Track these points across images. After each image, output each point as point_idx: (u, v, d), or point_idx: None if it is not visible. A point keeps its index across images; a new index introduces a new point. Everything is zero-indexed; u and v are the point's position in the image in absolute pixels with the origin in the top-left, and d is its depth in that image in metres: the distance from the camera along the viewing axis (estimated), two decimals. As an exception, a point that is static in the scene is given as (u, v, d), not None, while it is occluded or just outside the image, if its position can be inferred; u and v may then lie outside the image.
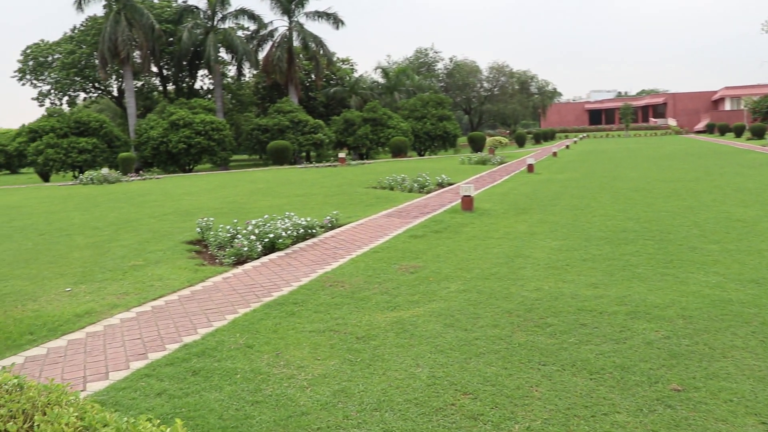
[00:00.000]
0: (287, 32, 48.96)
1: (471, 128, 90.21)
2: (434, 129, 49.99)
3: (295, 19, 49.15)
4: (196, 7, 48.27)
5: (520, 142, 64.69)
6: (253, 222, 10.99)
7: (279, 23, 53.43)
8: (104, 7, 45.02)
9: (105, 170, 30.85)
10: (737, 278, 7.61)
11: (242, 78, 55.89)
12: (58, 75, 52.00)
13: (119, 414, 3.84)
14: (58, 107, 46.64)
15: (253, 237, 10.15)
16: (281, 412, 4.44)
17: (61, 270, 9.58)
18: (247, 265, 9.42)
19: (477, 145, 50.78)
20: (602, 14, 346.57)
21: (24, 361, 5.79)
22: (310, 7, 49.50)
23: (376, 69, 67.28)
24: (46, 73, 53.12)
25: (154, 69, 53.51)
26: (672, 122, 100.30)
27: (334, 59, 55.74)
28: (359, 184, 22.33)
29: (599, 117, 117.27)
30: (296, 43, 49.23)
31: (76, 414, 2.79)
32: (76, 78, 52.57)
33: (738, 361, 5.09)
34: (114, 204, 18.73)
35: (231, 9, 48.00)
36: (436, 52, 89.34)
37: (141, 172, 36.96)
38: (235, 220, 11.91)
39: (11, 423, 2.70)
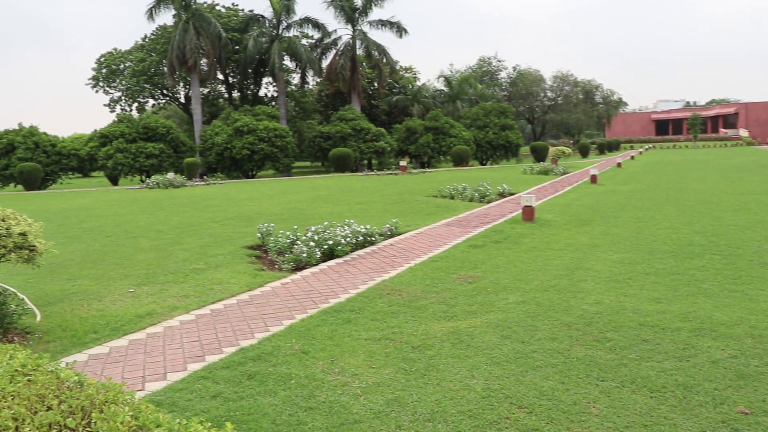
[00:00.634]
0: (351, 41, 49.33)
1: (534, 138, 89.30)
2: (496, 138, 49.61)
3: (359, 28, 49.50)
4: (262, 16, 49.06)
5: (584, 152, 63.73)
6: (313, 228, 11.06)
7: (343, 32, 54.02)
8: (174, 16, 46.23)
9: (170, 175, 31.63)
10: (811, 297, 7.28)
11: (306, 86, 56.47)
12: (129, 82, 53.61)
13: (173, 415, 3.88)
14: (127, 113, 48.12)
15: (312, 243, 10.21)
16: (334, 420, 4.42)
17: (125, 271, 9.82)
18: (306, 272, 9.47)
19: (539, 154, 50.22)
20: (672, 20, 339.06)
21: (87, 358, 5.93)
22: (373, 16, 49.97)
23: (438, 77, 67.30)
24: (118, 81, 54.85)
25: (220, 76, 54.69)
26: (744, 133, 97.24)
27: (397, 67, 55.91)
28: (419, 192, 22.29)
29: (666, 127, 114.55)
30: (359, 52, 49.57)
31: (131, 413, 2.84)
32: (145, 85, 54.11)
33: (811, 383, 4.85)
34: (178, 208, 19.14)
35: (296, 18, 48.64)
36: (500, 61, 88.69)
37: (205, 177, 37.74)
38: (295, 227, 12.01)
39: (70, 419, 2.76)
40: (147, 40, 54.19)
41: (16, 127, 39.13)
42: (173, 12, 45.44)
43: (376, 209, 17.36)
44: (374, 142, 44.13)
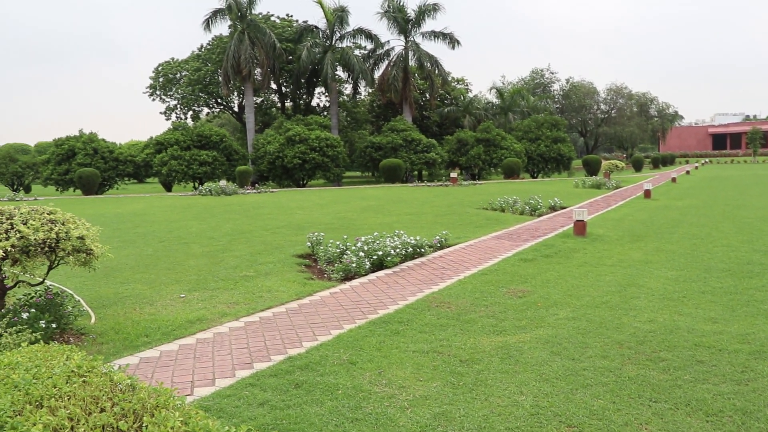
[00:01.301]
0: (403, 52, 49.45)
1: (586, 151, 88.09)
2: (548, 151, 49.11)
3: (412, 39, 49.60)
4: (316, 27, 49.55)
5: (637, 166, 62.62)
6: (363, 239, 11.08)
7: (395, 43, 54.21)
8: (229, 27, 47.08)
9: (223, 182, 32.10)
10: None
11: (358, 96, 56.82)
12: (184, 91, 54.69)
13: (221, 422, 3.92)
14: (182, 121, 49.14)
15: (362, 254, 10.23)
16: (381, 432, 4.40)
17: (177, 276, 9.99)
18: (355, 282, 9.49)
19: (592, 168, 49.50)
20: (730, 31, 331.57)
21: (139, 361, 6.04)
22: (426, 27, 50.02)
23: (490, 89, 67.04)
24: (174, 89, 55.98)
25: (274, 86, 55.37)
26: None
27: (449, 78, 55.84)
28: (470, 204, 22.18)
29: (724, 142, 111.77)
30: (412, 63, 49.63)
31: (181, 419, 2.87)
32: (200, 94, 55.11)
33: None
34: (229, 215, 19.40)
35: (349, 29, 48.97)
36: (552, 73, 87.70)
37: (257, 185, 38.18)
38: (345, 236, 12.05)
39: (123, 421, 2.81)
40: (203, 50, 55.23)
41: (77, 134, 40.27)
42: (229, 23, 46.26)
43: (426, 221, 17.32)
44: (425, 153, 44.11)
